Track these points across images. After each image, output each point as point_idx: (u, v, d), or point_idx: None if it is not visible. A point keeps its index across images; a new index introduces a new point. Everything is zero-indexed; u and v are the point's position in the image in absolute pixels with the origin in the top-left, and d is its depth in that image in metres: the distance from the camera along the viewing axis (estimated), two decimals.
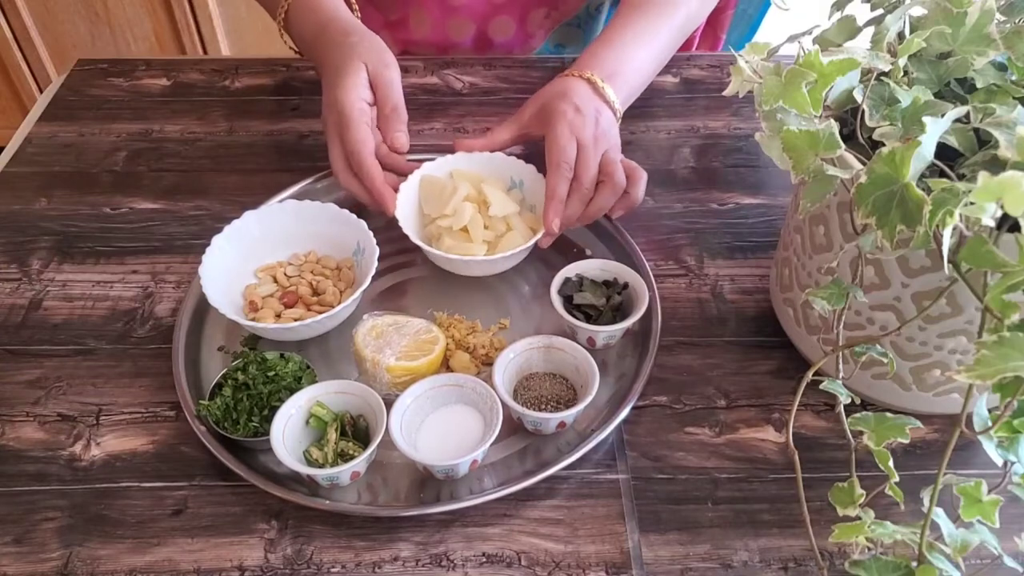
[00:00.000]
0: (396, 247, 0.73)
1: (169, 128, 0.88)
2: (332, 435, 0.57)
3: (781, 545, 0.55)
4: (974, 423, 0.42)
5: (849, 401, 0.48)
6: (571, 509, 0.57)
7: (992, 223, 0.38)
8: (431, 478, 0.58)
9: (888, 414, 0.46)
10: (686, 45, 0.97)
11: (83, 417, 0.62)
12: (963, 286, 0.43)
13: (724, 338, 0.68)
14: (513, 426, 0.61)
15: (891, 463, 0.44)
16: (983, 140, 0.48)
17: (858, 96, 0.49)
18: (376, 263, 0.65)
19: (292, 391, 0.59)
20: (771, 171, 0.83)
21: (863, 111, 0.48)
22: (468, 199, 0.71)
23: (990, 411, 0.43)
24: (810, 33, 0.54)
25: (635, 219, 0.77)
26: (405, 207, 0.71)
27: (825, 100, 0.49)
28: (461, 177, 0.73)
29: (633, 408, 0.62)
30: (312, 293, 0.68)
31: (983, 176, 0.36)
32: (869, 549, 0.43)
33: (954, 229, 0.39)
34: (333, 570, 0.54)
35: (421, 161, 0.74)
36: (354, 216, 0.70)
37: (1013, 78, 0.49)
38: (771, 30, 0.89)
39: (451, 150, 0.75)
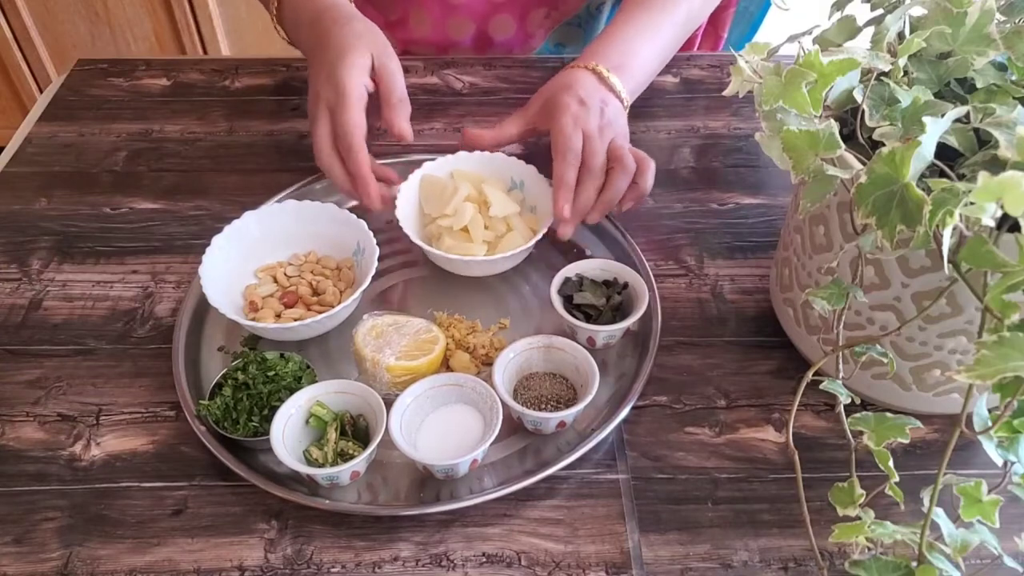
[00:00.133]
0: (396, 247, 0.73)
1: (169, 128, 0.88)
2: (332, 435, 0.57)
3: (781, 545, 0.55)
4: (974, 423, 0.42)
5: (849, 401, 0.48)
6: (571, 509, 0.57)
7: (992, 223, 0.38)
8: (431, 478, 0.58)
9: (888, 414, 0.46)
10: (687, 45, 0.97)
11: (83, 417, 0.62)
12: (963, 286, 0.43)
13: (724, 338, 0.68)
14: (513, 426, 0.61)
15: (891, 463, 0.44)
16: (983, 140, 0.48)
17: (858, 96, 0.49)
18: (376, 263, 0.65)
19: (292, 391, 0.59)
20: (771, 171, 0.83)
21: (863, 111, 0.48)
22: (469, 199, 0.71)
23: (990, 411, 0.43)
24: (810, 33, 0.54)
25: (635, 219, 0.77)
26: (405, 207, 0.71)
27: (825, 100, 0.49)
28: (462, 177, 0.74)
29: (633, 408, 0.62)
30: (312, 293, 0.68)
31: (983, 176, 0.36)
32: (869, 549, 0.43)
33: (954, 229, 0.39)
34: (333, 570, 0.54)
35: (421, 161, 0.74)
36: (354, 216, 0.70)
37: (1013, 78, 0.49)
38: (771, 30, 0.89)
39: (452, 150, 0.75)
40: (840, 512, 0.45)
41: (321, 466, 0.56)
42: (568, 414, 0.58)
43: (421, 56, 0.99)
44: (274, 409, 0.57)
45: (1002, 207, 0.36)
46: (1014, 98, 0.48)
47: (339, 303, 0.65)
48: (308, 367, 0.62)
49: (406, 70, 0.94)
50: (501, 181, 0.74)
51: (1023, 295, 0.38)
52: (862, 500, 0.44)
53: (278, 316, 0.66)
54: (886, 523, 0.43)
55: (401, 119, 0.71)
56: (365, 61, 0.70)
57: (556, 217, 0.69)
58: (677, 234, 0.77)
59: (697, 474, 0.59)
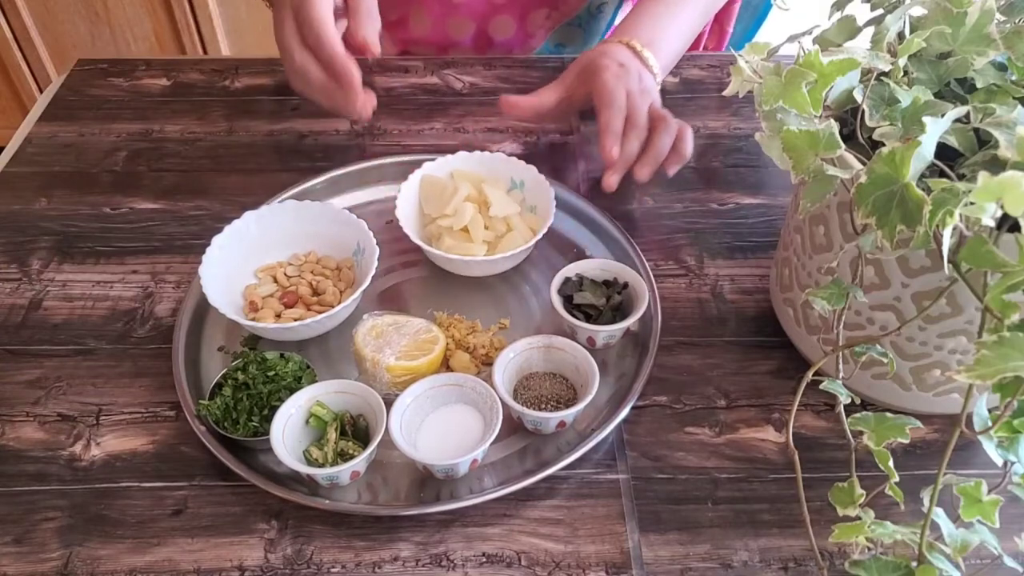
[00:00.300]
0: (396, 247, 0.73)
1: (169, 128, 0.88)
2: (332, 435, 0.57)
3: (781, 545, 0.55)
4: (974, 423, 0.42)
5: (849, 401, 0.48)
6: (571, 509, 0.57)
7: (992, 223, 0.38)
8: (431, 478, 0.58)
9: (888, 414, 0.46)
10: (694, 43, 0.97)
11: (83, 417, 0.62)
12: (963, 286, 0.43)
13: (724, 338, 0.68)
14: (513, 426, 0.61)
15: (891, 463, 0.44)
16: (983, 140, 0.48)
17: (858, 96, 0.49)
18: (376, 263, 0.65)
19: (292, 391, 0.59)
20: (771, 171, 0.83)
21: (863, 111, 0.48)
22: (469, 199, 0.71)
23: (990, 411, 0.43)
24: (810, 33, 0.54)
25: (635, 219, 0.77)
26: (405, 207, 0.72)
27: (825, 100, 0.49)
28: (462, 177, 0.74)
29: (633, 408, 0.62)
30: (312, 293, 0.68)
31: (983, 176, 0.36)
32: (869, 549, 0.43)
33: (954, 229, 0.39)
34: (333, 570, 0.54)
35: (421, 161, 0.74)
36: (354, 216, 0.70)
37: (1013, 78, 0.49)
38: (771, 30, 0.90)
39: (452, 150, 0.75)
40: (840, 512, 0.45)
41: (321, 466, 0.56)
42: (568, 414, 0.58)
43: (421, 56, 0.99)
44: (274, 409, 0.57)
45: (1002, 207, 0.36)
46: (1014, 98, 0.48)
47: (339, 303, 0.65)
48: (308, 367, 0.62)
49: (406, 70, 0.95)
50: (501, 181, 0.74)
51: (1023, 295, 0.38)
52: (862, 500, 0.44)
53: (278, 316, 0.66)
54: (886, 523, 0.43)
55: (366, 28, 0.65)
56: None
57: (604, 160, 0.71)
58: (677, 234, 0.77)
59: (697, 474, 0.59)
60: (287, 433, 0.57)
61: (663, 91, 0.92)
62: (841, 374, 0.50)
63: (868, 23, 0.55)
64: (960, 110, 0.44)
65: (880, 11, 0.54)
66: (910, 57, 0.50)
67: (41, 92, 1.82)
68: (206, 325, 0.67)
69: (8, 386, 0.64)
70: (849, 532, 0.43)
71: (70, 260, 0.73)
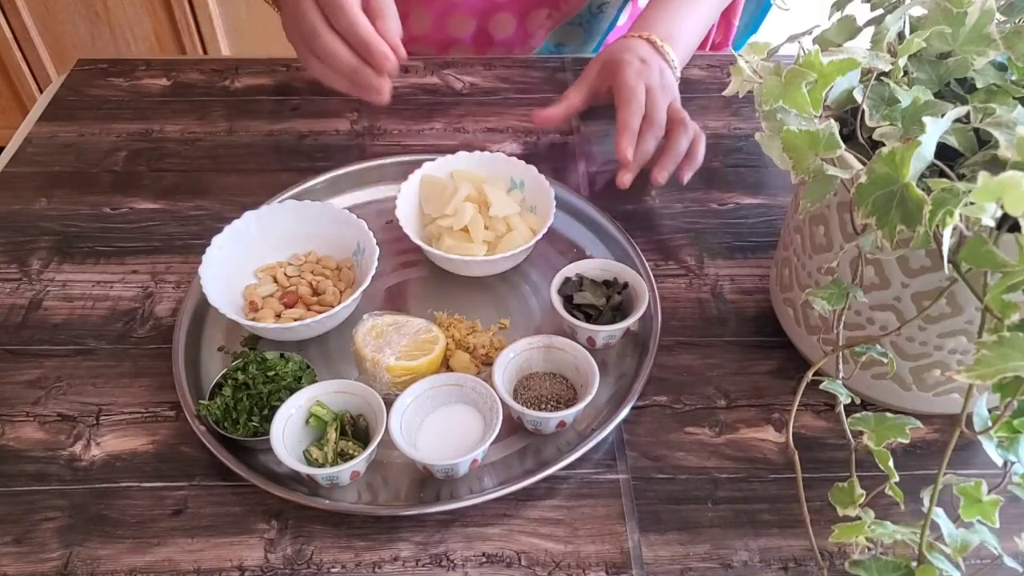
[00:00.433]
0: (396, 247, 0.73)
1: (169, 128, 0.88)
2: (332, 435, 0.57)
3: (781, 545, 0.55)
4: (974, 423, 0.42)
5: (849, 401, 0.48)
6: (571, 509, 0.57)
7: (992, 223, 0.38)
8: (431, 478, 0.58)
9: (888, 414, 0.46)
10: (703, 40, 0.98)
11: (83, 417, 0.62)
12: (963, 286, 0.43)
13: (724, 338, 0.68)
14: (513, 426, 0.61)
15: (891, 463, 0.44)
16: (983, 140, 0.48)
17: (858, 96, 0.49)
18: (376, 263, 0.65)
19: (292, 391, 0.59)
20: (771, 171, 0.83)
21: (863, 111, 0.48)
22: (469, 199, 0.71)
23: (990, 411, 0.43)
24: (810, 33, 0.54)
25: (635, 219, 0.77)
26: (405, 207, 0.71)
27: (825, 100, 0.49)
28: (462, 177, 0.74)
29: (633, 408, 0.62)
30: (312, 293, 0.68)
31: (983, 176, 0.36)
32: (869, 549, 0.43)
33: (954, 229, 0.39)
34: (333, 570, 0.54)
35: (421, 161, 0.74)
36: (354, 216, 0.70)
37: (1013, 78, 0.49)
38: (771, 30, 0.90)
39: (452, 150, 0.75)
40: (840, 512, 0.45)
41: (321, 466, 0.56)
42: (568, 414, 0.58)
43: (421, 56, 0.99)
44: (274, 409, 0.57)
45: (1002, 207, 0.36)
46: (1014, 98, 0.48)
47: (339, 303, 0.65)
48: (308, 367, 0.62)
49: (406, 70, 0.95)
50: (501, 181, 0.74)
51: (1023, 295, 0.38)
52: (862, 500, 0.44)
53: (278, 316, 0.66)
54: (886, 523, 0.43)
55: (392, 32, 0.65)
56: None
57: (619, 159, 0.71)
58: (677, 234, 0.77)
59: (697, 474, 0.59)
60: (287, 433, 0.57)
61: None
62: (841, 374, 0.50)
63: (868, 23, 0.55)
64: (960, 110, 0.44)
65: (880, 11, 0.54)
66: (910, 57, 0.50)
67: (41, 92, 1.82)
68: (206, 325, 0.67)
69: (8, 386, 0.64)
70: (849, 532, 0.43)
71: (70, 260, 0.73)
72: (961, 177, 0.45)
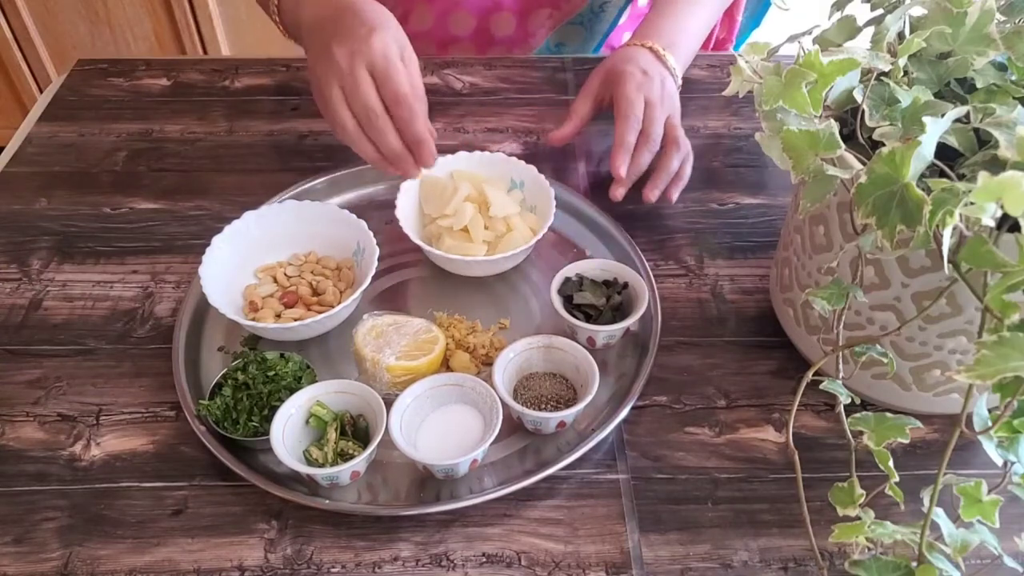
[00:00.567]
0: (396, 247, 0.73)
1: (169, 128, 0.88)
2: (332, 435, 0.57)
3: (781, 545, 0.55)
4: (974, 423, 0.42)
5: (849, 401, 0.48)
6: (571, 509, 0.57)
7: (992, 223, 0.38)
8: (431, 478, 0.58)
9: (888, 414, 0.46)
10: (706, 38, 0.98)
11: (83, 417, 0.62)
12: (963, 286, 0.43)
13: (724, 338, 0.68)
14: (513, 426, 0.61)
15: (891, 463, 0.44)
16: (983, 140, 0.48)
17: (858, 96, 0.49)
18: (376, 263, 0.65)
19: (292, 391, 0.59)
20: (771, 171, 0.83)
21: (863, 111, 0.48)
22: (469, 199, 0.71)
23: (990, 411, 0.43)
24: (810, 33, 0.54)
25: (635, 219, 0.77)
26: (405, 207, 0.71)
27: (825, 100, 0.49)
28: (462, 177, 0.74)
29: (633, 408, 0.62)
30: (312, 293, 0.68)
31: (983, 176, 0.36)
32: (869, 549, 0.43)
33: (954, 229, 0.39)
34: (333, 570, 0.54)
35: None
36: (354, 216, 0.70)
37: (1013, 78, 0.49)
38: (771, 30, 0.90)
39: (452, 150, 0.75)
40: (840, 512, 0.45)
41: (321, 466, 0.56)
42: (568, 414, 0.58)
43: (421, 56, 0.99)
44: (274, 409, 0.57)
45: (1002, 207, 0.36)
46: (1014, 98, 0.48)
47: (339, 303, 0.65)
48: (308, 367, 0.62)
49: None
50: (501, 181, 0.74)
51: (1023, 295, 0.38)
52: (862, 500, 0.44)
53: (278, 316, 0.66)
54: (886, 523, 0.43)
55: (433, 133, 0.67)
56: (398, 42, 0.65)
57: (613, 175, 0.73)
58: (677, 234, 0.77)
59: (697, 474, 0.59)
60: (287, 433, 0.57)
61: None
62: (841, 374, 0.50)
63: (868, 23, 0.55)
64: (960, 110, 0.44)
65: (880, 11, 0.54)
66: (910, 57, 0.50)
67: (41, 92, 1.82)
68: (206, 325, 0.67)
69: (8, 386, 0.64)
70: (849, 532, 0.43)
71: (70, 260, 0.73)
72: (961, 177, 0.45)
